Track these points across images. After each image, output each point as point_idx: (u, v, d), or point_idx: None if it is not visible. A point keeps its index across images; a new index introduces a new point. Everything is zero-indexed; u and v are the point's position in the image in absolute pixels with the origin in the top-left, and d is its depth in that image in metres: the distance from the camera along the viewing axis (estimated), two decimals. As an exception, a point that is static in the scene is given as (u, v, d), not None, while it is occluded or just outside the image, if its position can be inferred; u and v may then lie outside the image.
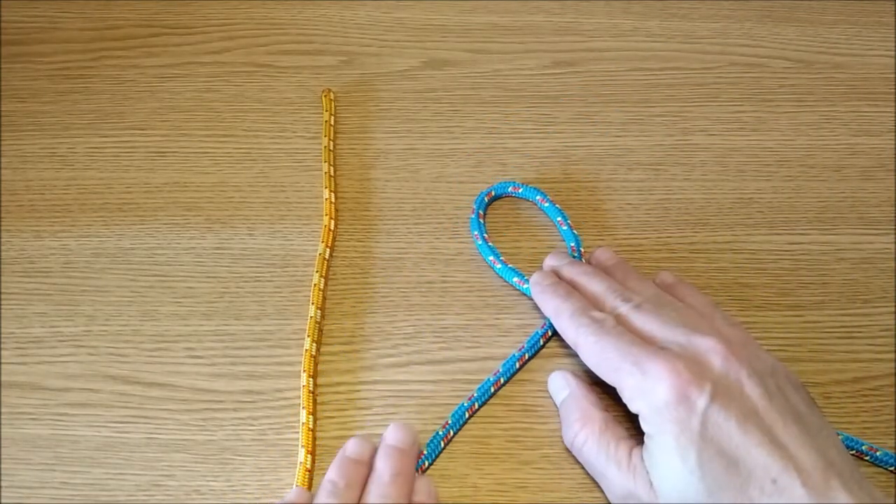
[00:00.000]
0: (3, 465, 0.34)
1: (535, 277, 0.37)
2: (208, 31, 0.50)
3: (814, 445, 0.29)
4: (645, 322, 0.33)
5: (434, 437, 0.34)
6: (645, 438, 0.31)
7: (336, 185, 0.42)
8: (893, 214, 0.43)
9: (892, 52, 0.50)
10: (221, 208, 0.42)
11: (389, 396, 0.36)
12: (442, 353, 0.37)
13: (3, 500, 0.33)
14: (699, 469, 0.29)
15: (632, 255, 0.41)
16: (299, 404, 0.35)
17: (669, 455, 0.29)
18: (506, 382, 0.36)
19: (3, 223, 0.41)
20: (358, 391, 0.36)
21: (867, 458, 0.34)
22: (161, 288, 0.39)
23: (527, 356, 0.37)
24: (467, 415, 0.35)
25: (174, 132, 0.45)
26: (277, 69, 0.48)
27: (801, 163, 0.45)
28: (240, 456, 0.34)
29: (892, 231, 0.42)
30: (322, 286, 0.38)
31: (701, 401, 0.29)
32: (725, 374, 0.30)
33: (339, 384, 0.36)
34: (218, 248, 0.40)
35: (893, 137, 0.46)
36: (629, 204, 0.42)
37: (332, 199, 0.41)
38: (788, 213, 0.42)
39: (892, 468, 0.34)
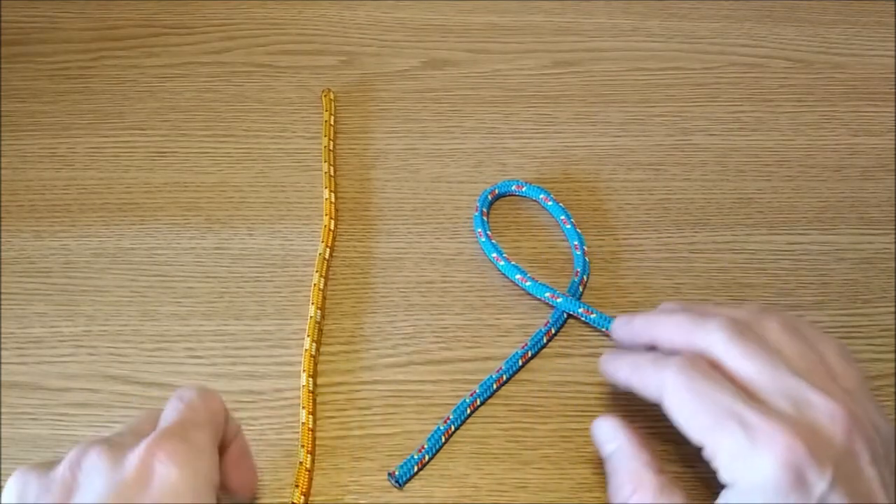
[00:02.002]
0: (3, 465, 0.34)
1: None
2: (208, 31, 0.50)
3: None
4: (748, 362, 0.27)
5: (435, 431, 0.34)
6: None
7: (336, 185, 0.42)
8: (893, 214, 0.43)
9: (892, 52, 0.50)
10: (221, 208, 0.42)
11: (389, 396, 0.36)
12: (442, 353, 0.37)
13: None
14: None
15: (632, 255, 0.41)
16: (299, 404, 0.35)
17: None
18: (508, 380, 0.36)
19: (3, 223, 0.41)
20: (358, 391, 0.36)
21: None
22: (161, 288, 0.39)
23: (529, 353, 0.37)
24: (469, 410, 0.35)
25: (174, 132, 0.45)
26: (277, 69, 0.48)
27: (801, 163, 0.45)
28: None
29: (892, 231, 0.42)
30: (322, 286, 0.38)
31: (819, 485, 0.24)
32: (847, 451, 0.25)
33: (339, 384, 0.36)
34: (218, 248, 0.40)
35: (893, 137, 0.46)
36: (629, 204, 0.42)
37: (333, 199, 0.41)
38: (788, 213, 0.42)
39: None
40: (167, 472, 0.25)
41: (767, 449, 0.25)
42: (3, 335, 0.37)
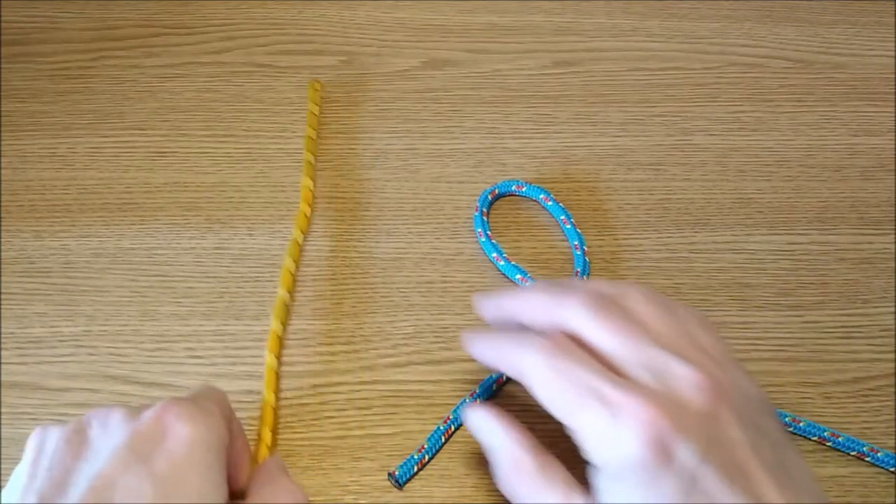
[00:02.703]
0: (3, 465, 0.34)
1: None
2: (208, 31, 0.50)
3: (794, 495, 0.25)
4: (609, 336, 0.27)
5: (435, 431, 0.34)
6: (601, 493, 0.26)
7: (317, 174, 0.43)
8: (893, 214, 0.43)
9: (892, 52, 0.50)
10: (221, 208, 0.42)
11: (389, 396, 0.36)
12: (442, 353, 0.37)
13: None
14: None
15: (632, 255, 0.41)
16: (298, 403, 0.35)
17: None
18: (508, 380, 0.36)
19: (3, 223, 0.41)
20: (358, 391, 0.36)
21: (867, 458, 0.34)
22: (161, 288, 0.39)
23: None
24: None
25: (174, 132, 0.45)
26: (277, 69, 0.48)
27: (801, 163, 0.45)
28: None
29: (892, 231, 0.42)
30: (294, 270, 0.39)
31: (686, 457, 0.24)
32: (712, 418, 0.25)
33: (339, 384, 0.36)
34: (218, 248, 0.40)
35: (893, 137, 0.46)
36: (629, 204, 0.42)
37: (311, 188, 0.42)
38: (788, 213, 0.42)
39: (893, 469, 0.34)
40: (181, 428, 0.26)
41: (629, 425, 0.24)
42: (3, 335, 0.37)
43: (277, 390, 0.35)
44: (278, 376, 0.35)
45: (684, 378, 0.25)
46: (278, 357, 0.36)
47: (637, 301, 0.28)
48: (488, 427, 0.29)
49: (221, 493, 0.25)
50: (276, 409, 0.34)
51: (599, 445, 0.25)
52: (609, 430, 0.24)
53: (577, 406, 0.25)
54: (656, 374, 0.25)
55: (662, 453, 0.24)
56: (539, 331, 0.28)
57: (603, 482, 0.25)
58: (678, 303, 0.29)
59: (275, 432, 0.34)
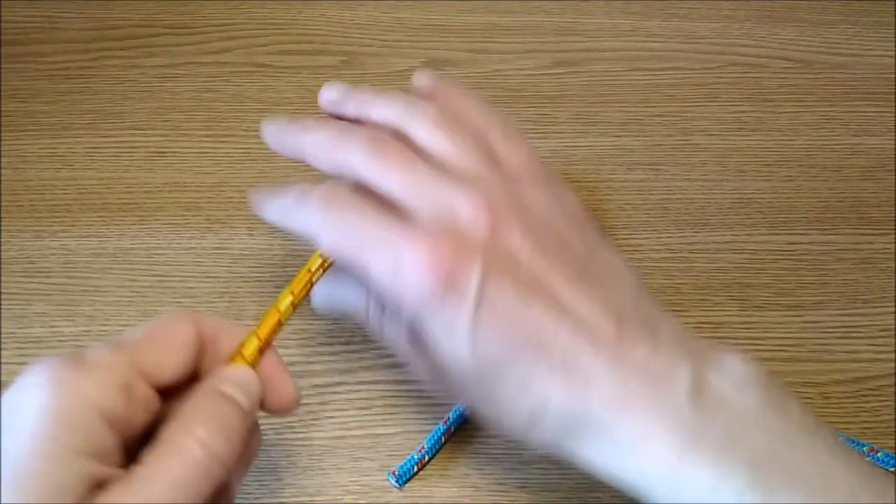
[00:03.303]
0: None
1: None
2: (208, 31, 0.50)
3: (604, 296, 0.25)
4: (389, 176, 0.26)
5: (435, 431, 0.34)
6: (409, 324, 0.26)
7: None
8: (893, 214, 0.43)
9: (892, 52, 0.50)
10: (221, 208, 0.42)
11: (389, 396, 0.36)
12: (442, 353, 0.37)
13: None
14: (475, 359, 0.25)
15: (632, 255, 0.41)
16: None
17: (440, 347, 0.25)
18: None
19: (3, 223, 0.41)
20: (358, 391, 0.36)
21: (867, 458, 0.34)
22: (161, 288, 0.39)
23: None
24: (469, 411, 0.35)
25: (174, 132, 0.45)
26: (277, 69, 0.48)
27: (801, 163, 0.45)
28: None
29: (892, 231, 0.42)
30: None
31: (472, 283, 0.24)
32: (493, 235, 0.25)
33: (338, 384, 0.36)
34: (218, 248, 0.40)
35: (893, 137, 0.46)
36: (629, 204, 0.42)
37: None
38: (788, 213, 0.42)
39: (893, 468, 0.34)
40: (34, 396, 0.20)
41: (410, 265, 0.24)
42: (3, 335, 0.37)
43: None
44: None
45: (463, 204, 0.25)
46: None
47: (424, 127, 0.28)
48: None
49: (78, 475, 0.20)
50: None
51: (392, 290, 0.25)
52: (395, 274, 0.25)
53: (364, 257, 0.25)
54: (437, 207, 0.25)
55: (448, 284, 0.24)
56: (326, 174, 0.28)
57: (408, 320, 0.26)
58: (479, 109, 0.29)
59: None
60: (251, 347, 0.25)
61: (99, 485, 0.20)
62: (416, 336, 0.26)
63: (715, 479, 0.23)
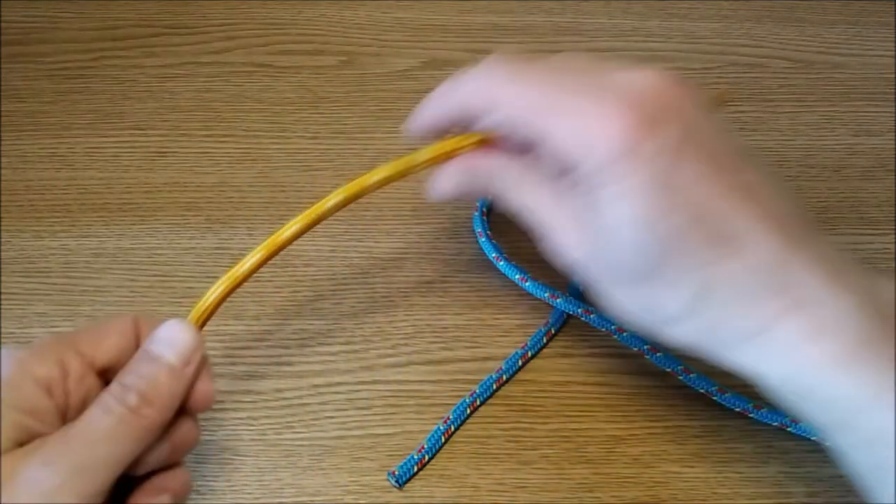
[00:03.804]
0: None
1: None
2: (208, 31, 0.50)
3: (771, 193, 0.25)
4: (567, 63, 0.27)
5: (435, 431, 0.34)
6: (582, 194, 0.26)
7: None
8: (893, 214, 0.43)
9: (892, 52, 0.50)
10: (221, 208, 0.42)
11: (389, 396, 0.36)
12: (441, 353, 0.37)
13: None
14: (654, 225, 0.24)
15: (632, 255, 0.40)
16: (299, 403, 0.35)
17: (617, 211, 0.25)
18: (508, 380, 0.36)
19: (3, 223, 0.41)
20: (358, 391, 0.36)
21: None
22: (161, 288, 0.39)
23: (529, 354, 0.36)
24: (469, 411, 0.35)
25: (174, 132, 0.45)
26: (277, 69, 0.48)
27: (801, 163, 0.45)
28: (239, 456, 0.34)
29: (892, 231, 0.42)
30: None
31: (661, 145, 0.24)
32: (680, 111, 0.25)
33: (338, 384, 0.36)
34: (218, 248, 0.40)
35: (893, 137, 0.46)
36: (629, 204, 0.42)
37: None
38: (788, 213, 0.42)
39: (893, 468, 0.34)
40: None
41: (605, 118, 0.24)
42: (3, 335, 0.37)
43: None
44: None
45: (649, 79, 0.25)
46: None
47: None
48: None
49: (12, 423, 0.22)
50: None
51: (580, 150, 0.25)
52: (587, 131, 0.25)
53: (551, 119, 0.26)
54: (627, 77, 0.26)
55: (639, 143, 0.24)
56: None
57: (586, 187, 0.25)
58: None
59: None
60: (197, 310, 0.27)
61: (33, 438, 0.23)
62: (577, 204, 0.26)
63: (878, 388, 0.23)
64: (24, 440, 0.22)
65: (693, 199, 0.24)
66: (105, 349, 0.25)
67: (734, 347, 0.25)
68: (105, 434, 0.23)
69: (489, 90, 0.28)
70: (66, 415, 0.24)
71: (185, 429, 0.26)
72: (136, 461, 0.24)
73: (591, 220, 0.26)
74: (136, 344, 0.26)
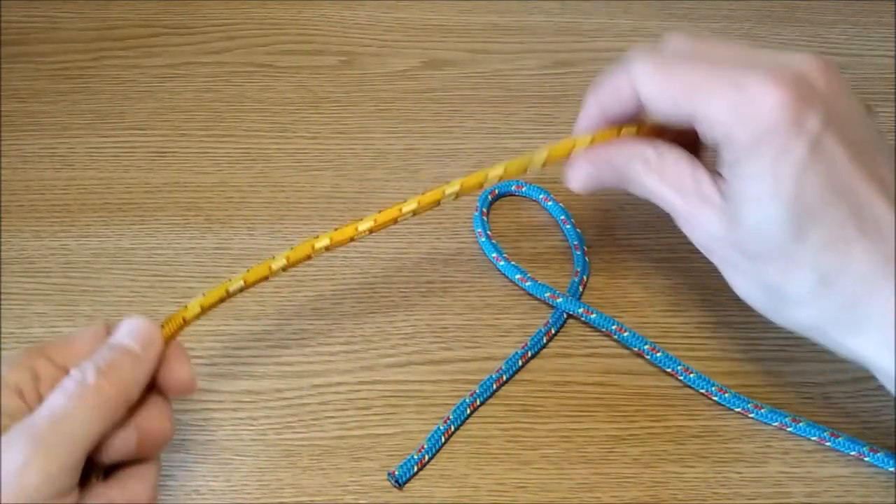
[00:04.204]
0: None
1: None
2: (208, 31, 0.50)
3: None
4: (718, 46, 0.28)
5: (435, 431, 0.34)
6: (727, 168, 0.27)
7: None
8: (893, 214, 0.42)
9: (892, 52, 0.50)
10: (221, 208, 0.42)
11: (389, 396, 0.36)
12: (441, 353, 0.37)
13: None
14: (796, 201, 0.25)
15: (632, 255, 0.41)
16: (299, 403, 0.35)
17: (762, 183, 0.26)
18: (508, 380, 0.36)
19: (3, 223, 0.41)
20: (358, 391, 0.36)
21: (867, 458, 0.34)
22: (161, 288, 0.39)
23: (529, 354, 0.36)
24: (469, 411, 0.35)
25: (174, 132, 0.45)
26: (277, 69, 0.48)
27: (801, 163, 0.45)
28: (239, 456, 0.34)
29: (892, 231, 0.42)
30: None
31: (813, 122, 0.25)
32: (834, 95, 0.26)
33: (338, 384, 0.36)
34: (218, 248, 0.40)
35: (894, 137, 0.46)
36: (629, 204, 0.42)
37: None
38: (788, 213, 0.42)
39: (893, 469, 0.34)
40: None
41: (762, 95, 0.25)
42: (3, 335, 0.37)
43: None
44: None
45: (801, 61, 0.26)
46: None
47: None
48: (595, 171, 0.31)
49: None
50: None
51: (733, 121, 0.26)
52: (743, 103, 0.25)
53: (702, 92, 0.27)
54: (773, 60, 0.26)
55: (796, 119, 0.25)
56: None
57: (733, 160, 0.26)
58: None
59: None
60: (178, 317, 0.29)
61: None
62: (719, 180, 0.27)
63: None
64: None
65: (838, 178, 0.25)
66: (75, 354, 0.26)
67: (857, 333, 0.26)
68: (63, 412, 0.23)
69: (635, 85, 0.29)
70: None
71: (154, 416, 0.26)
72: (101, 446, 0.24)
73: (733, 194, 0.27)
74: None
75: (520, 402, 0.36)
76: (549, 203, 0.41)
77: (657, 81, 0.28)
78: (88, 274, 0.39)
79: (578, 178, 0.32)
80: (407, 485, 0.33)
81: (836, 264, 0.25)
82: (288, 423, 0.35)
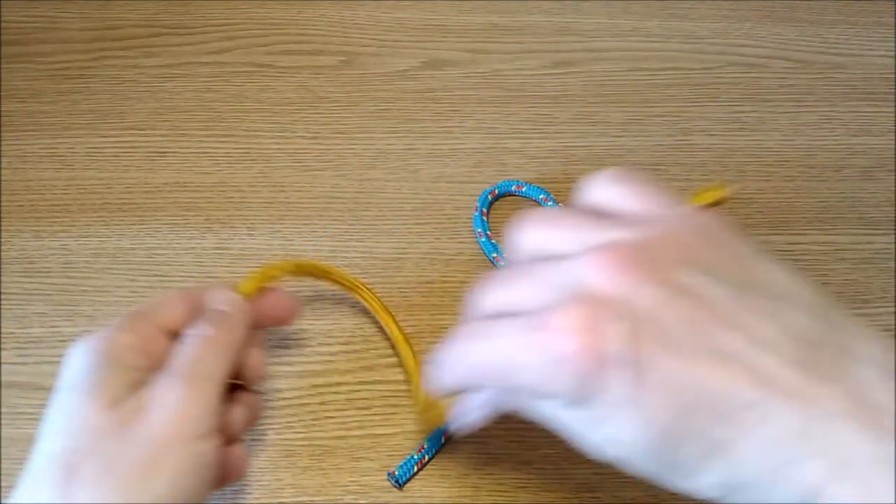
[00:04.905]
0: (3, 465, 0.34)
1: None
2: (208, 31, 0.50)
3: (773, 330, 0.22)
4: (512, 294, 0.25)
5: (435, 431, 0.34)
6: (568, 426, 0.24)
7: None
8: (893, 214, 0.43)
9: (892, 52, 0.50)
10: (221, 208, 0.42)
11: (389, 396, 0.36)
12: (442, 353, 0.37)
13: (3, 501, 0.33)
14: (646, 433, 0.22)
15: (632, 255, 0.40)
16: (300, 403, 0.35)
17: (608, 428, 0.23)
18: (506, 382, 0.36)
19: (3, 223, 0.41)
20: (358, 391, 0.36)
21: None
22: (161, 288, 0.39)
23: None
24: (467, 414, 0.35)
25: (174, 132, 0.45)
26: (277, 69, 0.48)
27: (801, 163, 0.45)
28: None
29: (892, 231, 0.42)
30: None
31: (617, 351, 0.22)
32: (627, 296, 0.22)
33: (338, 384, 0.36)
34: (218, 248, 0.40)
35: (893, 137, 0.46)
36: (629, 204, 0.42)
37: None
38: (788, 213, 0.42)
39: (892, 468, 0.34)
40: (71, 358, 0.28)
41: (553, 360, 0.22)
42: (3, 335, 0.37)
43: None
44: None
45: (583, 270, 0.23)
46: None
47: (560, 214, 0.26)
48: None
49: (124, 372, 0.27)
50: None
51: (546, 387, 0.23)
52: (544, 369, 0.23)
53: (513, 368, 0.24)
54: (559, 285, 0.24)
55: (597, 363, 0.22)
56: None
57: (562, 416, 0.24)
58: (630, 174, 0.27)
59: None
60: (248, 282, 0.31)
61: (139, 385, 0.27)
62: (577, 416, 0.24)
63: None
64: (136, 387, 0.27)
65: (677, 385, 0.22)
66: (171, 317, 0.30)
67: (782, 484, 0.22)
68: (198, 356, 0.28)
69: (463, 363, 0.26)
70: (152, 367, 0.28)
71: (255, 355, 0.31)
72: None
73: (589, 431, 0.24)
74: (195, 309, 0.30)
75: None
76: (550, 203, 0.41)
77: (479, 369, 0.25)
78: (88, 274, 0.39)
79: (476, 418, 0.29)
80: (407, 485, 0.33)
81: (729, 466, 0.22)
82: (288, 423, 0.35)
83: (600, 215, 0.26)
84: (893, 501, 0.20)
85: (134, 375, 0.28)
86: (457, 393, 0.28)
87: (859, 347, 0.23)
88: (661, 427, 0.22)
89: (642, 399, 0.22)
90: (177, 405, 0.27)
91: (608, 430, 0.23)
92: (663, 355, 0.22)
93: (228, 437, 0.29)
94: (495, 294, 0.26)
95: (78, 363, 0.28)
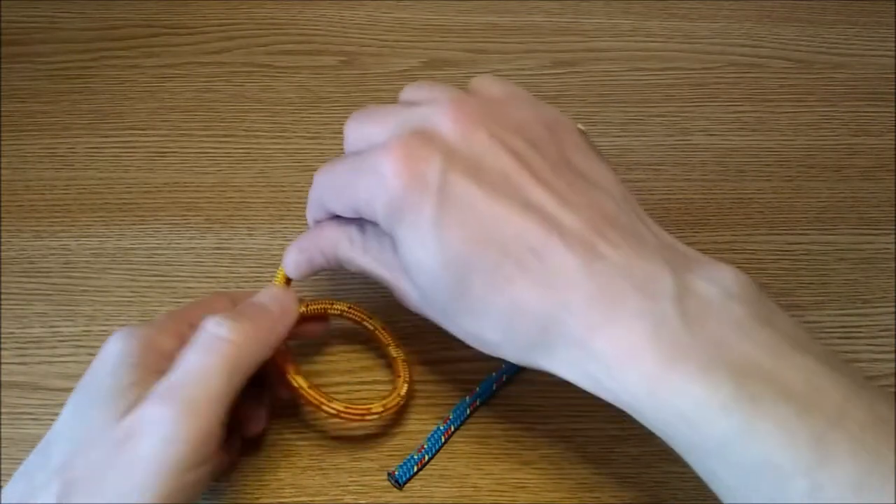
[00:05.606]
0: (2, 466, 0.34)
1: None
2: (208, 31, 0.50)
3: (581, 201, 0.25)
4: (370, 128, 0.28)
5: (435, 431, 0.34)
6: (395, 243, 0.27)
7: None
8: (893, 214, 0.43)
9: (892, 52, 0.50)
10: (221, 208, 0.42)
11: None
12: (442, 353, 0.37)
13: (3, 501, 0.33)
14: (442, 255, 0.25)
15: (632, 255, 0.40)
16: (297, 404, 0.35)
17: (412, 250, 0.26)
18: (508, 380, 0.36)
19: (3, 223, 0.41)
20: (358, 391, 0.36)
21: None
22: (161, 288, 0.39)
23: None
24: (469, 410, 0.35)
25: (174, 132, 0.45)
26: (277, 69, 0.48)
27: (801, 163, 0.45)
28: (239, 456, 0.34)
29: (892, 231, 0.42)
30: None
31: (432, 175, 0.25)
32: (460, 138, 0.25)
33: (338, 384, 0.36)
34: (218, 248, 0.40)
35: (893, 137, 0.46)
36: (629, 204, 0.42)
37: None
38: (788, 213, 0.42)
39: (892, 468, 0.34)
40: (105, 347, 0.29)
41: (383, 171, 0.25)
42: (3, 335, 0.37)
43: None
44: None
45: (428, 112, 0.26)
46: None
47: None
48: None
49: (131, 385, 0.27)
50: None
51: (372, 202, 0.26)
52: (371, 185, 0.26)
53: (350, 191, 0.27)
54: (406, 122, 0.26)
55: (414, 178, 0.25)
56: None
57: (392, 235, 0.26)
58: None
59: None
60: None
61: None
62: (393, 253, 0.27)
63: (701, 394, 0.22)
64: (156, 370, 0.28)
65: (479, 220, 0.24)
66: (204, 314, 0.29)
67: (549, 356, 0.25)
68: (201, 370, 0.27)
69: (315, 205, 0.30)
70: None
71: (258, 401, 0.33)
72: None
73: (404, 265, 0.27)
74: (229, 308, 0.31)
75: (520, 402, 0.36)
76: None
77: (325, 191, 0.29)
78: (88, 274, 0.39)
79: (290, 264, 0.32)
80: (407, 485, 0.33)
81: (509, 305, 0.25)
82: (288, 422, 0.35)
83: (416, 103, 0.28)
84: (652, 352, 0.23)
85: (161, 366, 0.28)
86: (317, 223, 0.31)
87: (655, 238, 0.25)
88: (454, 253, 0.25)
89: (443, 223, 0.25)
90: (167, 434, 0.26)
91: (411, 257, 0.26)
92: (472, 190, 0.24)
93: (228, 435, 0.29)
94: (359, 129, 0.28)
95: (109, 361, 0.28)
